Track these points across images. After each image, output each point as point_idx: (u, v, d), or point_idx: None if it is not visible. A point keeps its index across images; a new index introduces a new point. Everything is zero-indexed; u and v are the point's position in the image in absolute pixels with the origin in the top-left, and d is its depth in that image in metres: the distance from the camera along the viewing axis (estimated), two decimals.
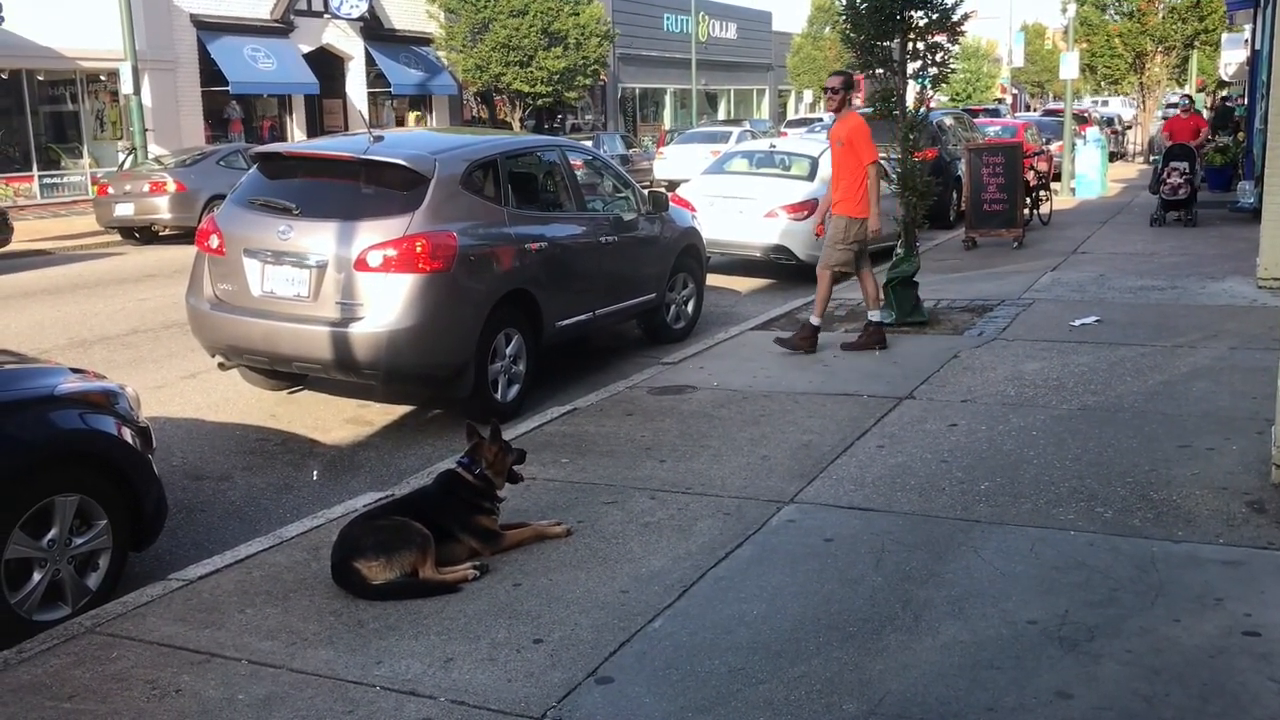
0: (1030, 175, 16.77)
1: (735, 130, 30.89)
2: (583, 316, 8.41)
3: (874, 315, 8.93)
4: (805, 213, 13.15)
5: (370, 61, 32.24)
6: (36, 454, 4.47)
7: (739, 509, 5.36)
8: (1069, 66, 24.81)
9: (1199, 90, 42.43)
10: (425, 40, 33.83)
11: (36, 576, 4.45)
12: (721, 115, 52.14)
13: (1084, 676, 3.71)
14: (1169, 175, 16.64)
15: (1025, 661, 3.82)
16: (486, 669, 3.89)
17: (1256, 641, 3.91)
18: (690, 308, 10.24)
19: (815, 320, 8.86)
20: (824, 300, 8.96)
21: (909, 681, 3.71)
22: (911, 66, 9.80)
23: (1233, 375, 7.56)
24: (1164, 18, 35.55)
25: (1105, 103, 54.09)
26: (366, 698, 3.73)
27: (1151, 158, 25.12)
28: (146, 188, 18.88)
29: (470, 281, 7.24)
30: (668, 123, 45.75)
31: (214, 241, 7.53)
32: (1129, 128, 42.70)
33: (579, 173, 9.17)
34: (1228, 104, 29.19)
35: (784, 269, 13.58)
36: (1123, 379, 7.56)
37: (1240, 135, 23.10)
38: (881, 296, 9.14)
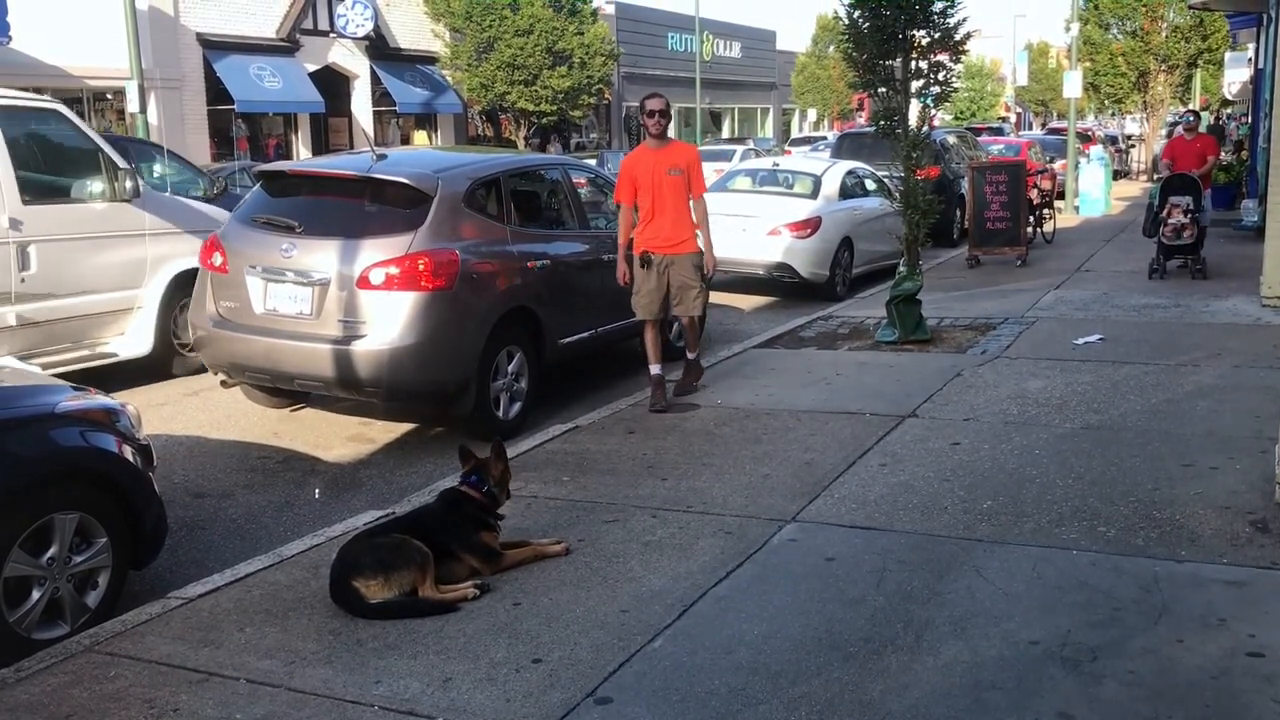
0: (1034, 193, 16.78)
1: (739, 149, 30.95)
2: (585, 334, 8.41)
3: (655, 369, 7.89)
4: (808, 230, 13.17)
5: (376, 80, 32.37)
6: (36, 471, 4.46)
7: (740, 528, 5.34)
8: (1072, 85, 24.88)
9: (1203, 109, 42.43)
10: (430, 59, 33.97)
11: (35, 595, 4.43)
12: (725, 134, 52.28)
13: (1086, 697, 3.68)
14: (1169, 214, 13.16)
15: (1027, 682, 3.79)
16: (485, 689, 3.87)
17: (1260, 663, 3.88)
18: None
19: (687, 358, 8.25)
20: (697, 338, 8.25)
21: (910, 702, 3.69)
22: (914, 85, 9.82)
23: (1236, 394, 7.54)
24: (1167, 37, 35.68)
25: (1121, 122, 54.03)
26: (365, 717, 3.71)
27: (1155, 176, 23.66)
28: None
29: (472, 299, 7.24)
30: None
31: (217, 259, 7.54)
32: (1132, 146, 42.78)
33: (582, 190, 9.18)
34: (1219, 123, 29.14)
35: (787, 287, 13.59)
36: (1126, 397, 7.54)
37: (1243, 153, 23.11)
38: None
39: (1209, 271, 13.07)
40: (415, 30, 33.58)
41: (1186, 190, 13.18)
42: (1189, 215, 13.09)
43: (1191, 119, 16.40)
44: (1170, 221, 13.12)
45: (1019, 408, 7.40)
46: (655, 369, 7.83)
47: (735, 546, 5.10)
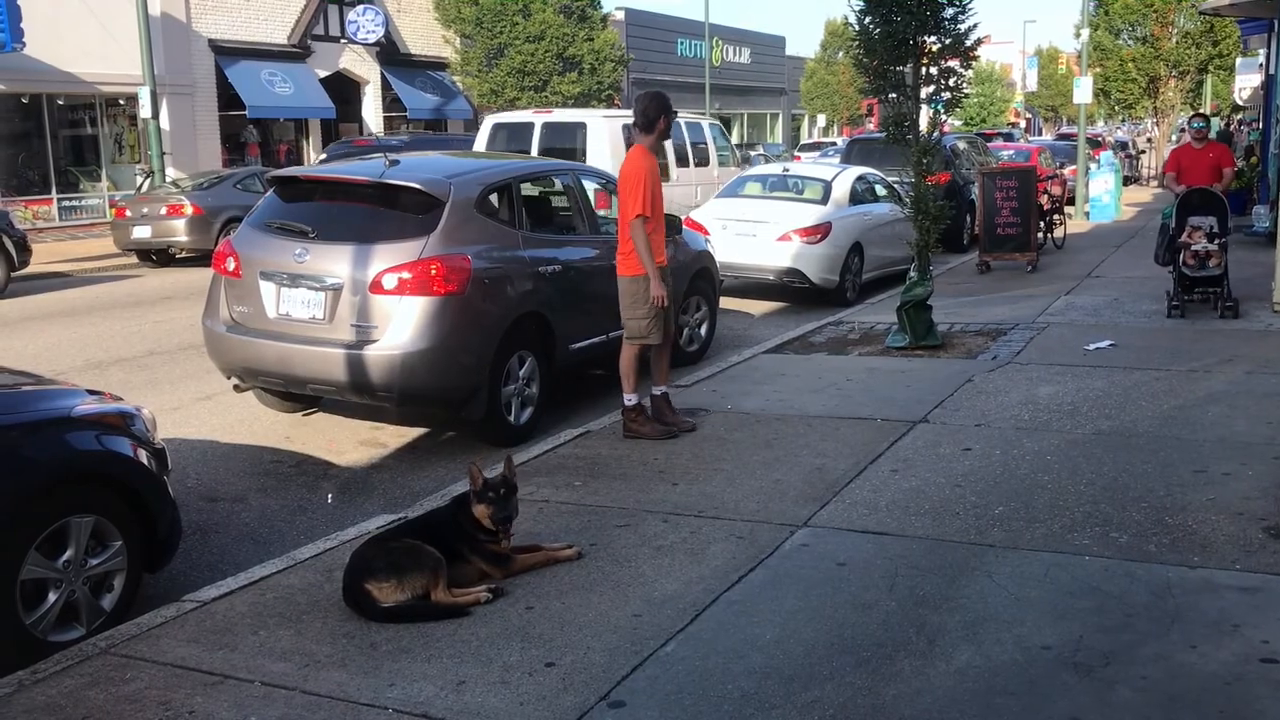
0: (1044, 199, 16.77)
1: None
2: (596, 339, 8.42)
3: (658, 390, 7.47)
4: (818, 236, 13.18)
5: (386, 86, 32.47)
6: (53, 475, 4.49)
7: (752, 533, 5.35)
8: (1083, 91, 24.86)
9: (1214, 114, 42.31)
10: (441, 65, 34.06)
11: (52, 597, 4.46)
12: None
13: (1098, 703, 3.68)
14: (1190, 237, 10.90)
15: (1039, 687, 3.80)
16: (499, 692, 3.89)
17: (1274, 669, 3.87)
18: (704, 330, 10.25)
19: (629, 399, 7.31)
20: (634, 375, 7.35)
21: (922, 707, 3.69)
22: (925, 91, 9.83)
23: (1248, 400, 7.53)
24: (1177, 43, 35.64)
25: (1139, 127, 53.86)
26: None
27: (1161, 184, 23.14)
28: (163, 210, 19.02)
29: (484, 304, 7.27)
30: None
31: (230, 264, 7.58)
32: (1143, 152, 42.73)
33: (592, 196, 9.20)
34: (1228, 128, 28.99)
35: (797, 292, 13.59)
36: (1137, 403, 7.53)
37: (1254, 159, 23.05)
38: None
39: (1240, 310, 10.84)
40: (425, 36, 33.68)
41: (1209, 209, 11.01)
42: (1216, 241, 10.88)
43: (1200, 124, 13.24)
44: (1193, 248, 10.90)
45: (1030, 413, 7.39)
46: (633, 398, 7.31)
47: (747, 551, 5.11)
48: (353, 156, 14.10)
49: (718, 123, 19.37)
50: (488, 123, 16.99)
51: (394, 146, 18.07)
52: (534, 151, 15.56)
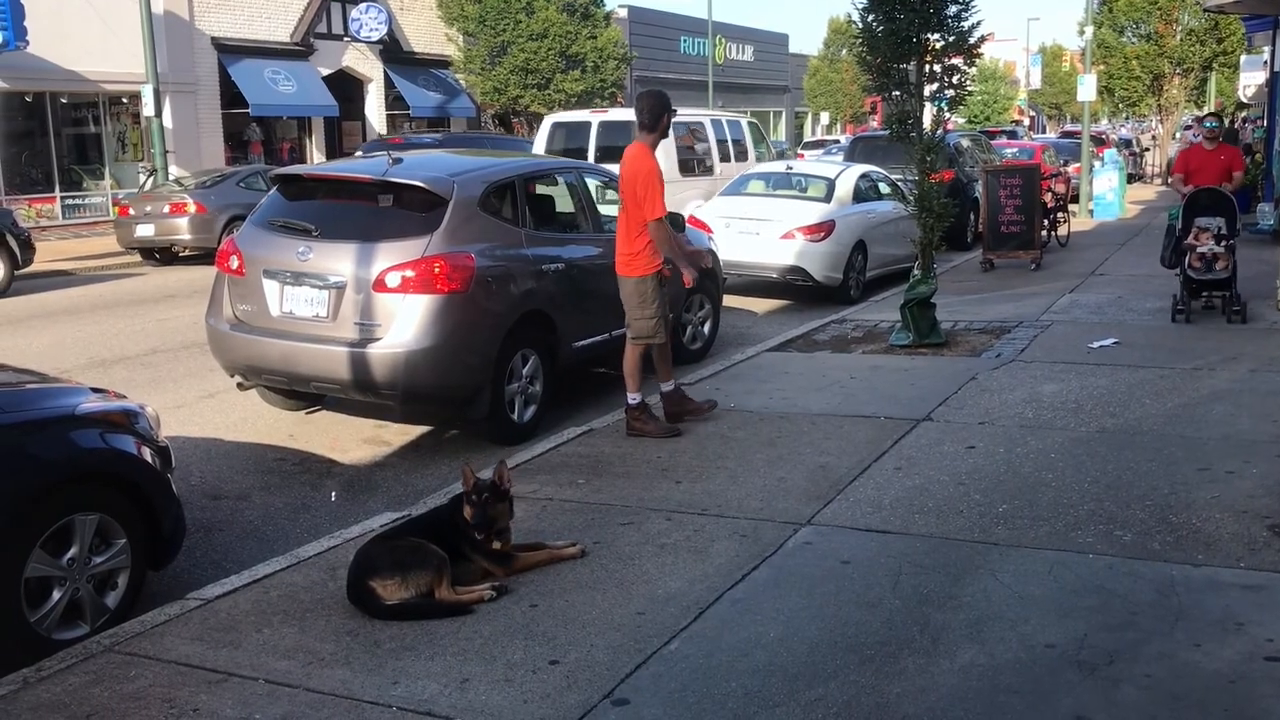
0: (1048, 197, 16.75)
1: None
2: (599, 337, 8.42)
3: (667, 386, 7.49)
4: (822, 234, 13.17)
5: (389, 84, 32.46)
6: (57, 473, 4.49)
7: (755, 531, 5.35)
8: (1086, 89, 24.82)
9: (1218, 111, 42.20)
10: (444, 63, 34.06)
11: (56, 595, 4.46)
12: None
13: (1102, 701, 3.68)
14: (1197, 239, 10.53)
15: (1043, 685, 3.79)
16: (503, 690, 3.89)
17: (1278, 667, 3.87)
18: (707, 329, 10.24)
19: (633, 398, 7.32)
20: (636, 374, 7.37)
21: (926, 705, 3.69)
22: (928, 89, 9.81)
23: (1252, 398, 7.52)
24: (1182, 40, 35.57)
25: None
26: (383, 718, 3.73)
27: (1168, 182, 22.99)
28: (167, 209, 19.03)
29: (488, 303, 7.27)
30: None
31: (234, 262, 7.58)
32: (1147, 150, 42.67)
33: (595, 194, 9.20)
34: (1233, 126, 28.94)
35: (800, 290, 13.58)
36: (1141, 401, 7.53)
37: (1258, 156, 23.01)
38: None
39: (1248, 314, 10.42)
40: (428, 34, 33.67)
41: (1218, 210, 10.63)
42: (1223, 243, 10.46)
43: (1214, 124, 12.50)
44: (1199, 250, 10.50)
45: (1034, 411, 7.38)
46: (636, 397, 7.35)
47: (750, 549, 5.11)
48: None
49: (755, 121, 20.71)
50: (547, 122, 17.90)
51: (428, 144, 18.59)
52: (590, 149, 16.44)
